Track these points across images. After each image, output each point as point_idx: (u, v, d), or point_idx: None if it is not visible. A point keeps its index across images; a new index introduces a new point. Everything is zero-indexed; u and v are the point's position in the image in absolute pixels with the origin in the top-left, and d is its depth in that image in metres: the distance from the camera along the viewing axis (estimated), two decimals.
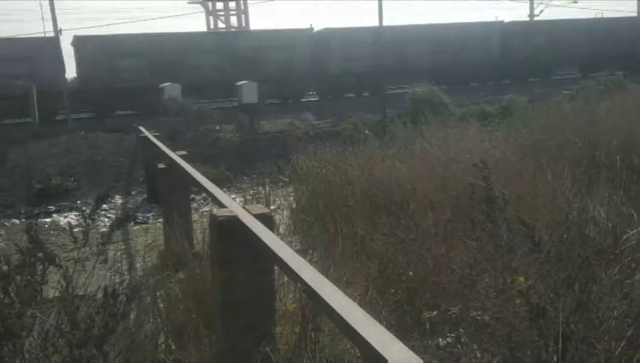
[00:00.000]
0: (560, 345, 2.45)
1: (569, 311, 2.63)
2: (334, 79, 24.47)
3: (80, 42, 21.78)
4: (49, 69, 20.35)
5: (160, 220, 8.75)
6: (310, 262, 3.32)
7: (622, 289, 2.97)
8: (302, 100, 24.00)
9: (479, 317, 2.56)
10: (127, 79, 20.98)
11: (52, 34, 21.20)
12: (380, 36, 24.04)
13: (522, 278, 2.90)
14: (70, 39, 22.65)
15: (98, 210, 8.45)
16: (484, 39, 27.02)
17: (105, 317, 2.18)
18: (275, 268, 3.02)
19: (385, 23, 24.04)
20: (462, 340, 2.46)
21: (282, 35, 24.59)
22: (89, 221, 3.29)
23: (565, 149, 7.47)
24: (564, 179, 5.40)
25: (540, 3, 37.37)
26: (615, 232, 3.52)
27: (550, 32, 28.77)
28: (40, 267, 2.57)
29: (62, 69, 21.23)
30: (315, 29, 25.69)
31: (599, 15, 35.97)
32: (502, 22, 28.90)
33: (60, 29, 21.18)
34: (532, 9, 36.69)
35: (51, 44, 21.02)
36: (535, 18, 36.15)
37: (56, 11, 20.76)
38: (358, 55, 24.44)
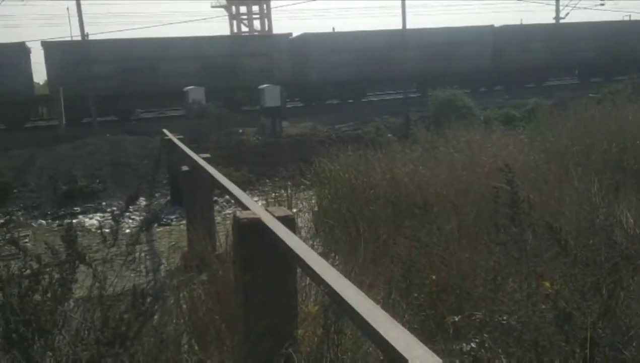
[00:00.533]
0: (587, 351, 2.42)
1: (596, 316, 2.59)
2: (314, 86, 23.79)
3: (49, 48, 21.32)
4: (16, 76, 20.08)
5: (184, 222, 8.84)
6: (333, 264, 3.32)
7: None
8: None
9: (504, 322, 2.54)
10: (97, 85, 20.23)
11: (79, 38, 21.48)
12: (363, 41, 23.27)
13: (548, 283, 2.86)
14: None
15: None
16: (474, 43, 26.17)
17: (133, 317, 2.22)
18: (297, 270, 3.03)
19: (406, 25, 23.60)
20: (487, 344, 2.44)
21: (259, 41, 24.18)
22: (117, 221, 3.33)
23: (591, 153, 7.36)
24: (591, 184, 5.31)
25: (567, 5, 36.86)
26: None
27: (548, 36, 27.93)
28: (70, 265, 2.63)
29: (30, 77, 21.16)
30: (293, 35, 25.12)
31: (627, 18, 35.36)
32: (492, 26, 27.70)
33: (87, 33, 21.51)
34: (558, 11, 36.28)
35: (18, 52, 20.57)
36: (561, 20, 35.71)
37: (84, 15, 21.03)
38: (340, 62, 23.63)
